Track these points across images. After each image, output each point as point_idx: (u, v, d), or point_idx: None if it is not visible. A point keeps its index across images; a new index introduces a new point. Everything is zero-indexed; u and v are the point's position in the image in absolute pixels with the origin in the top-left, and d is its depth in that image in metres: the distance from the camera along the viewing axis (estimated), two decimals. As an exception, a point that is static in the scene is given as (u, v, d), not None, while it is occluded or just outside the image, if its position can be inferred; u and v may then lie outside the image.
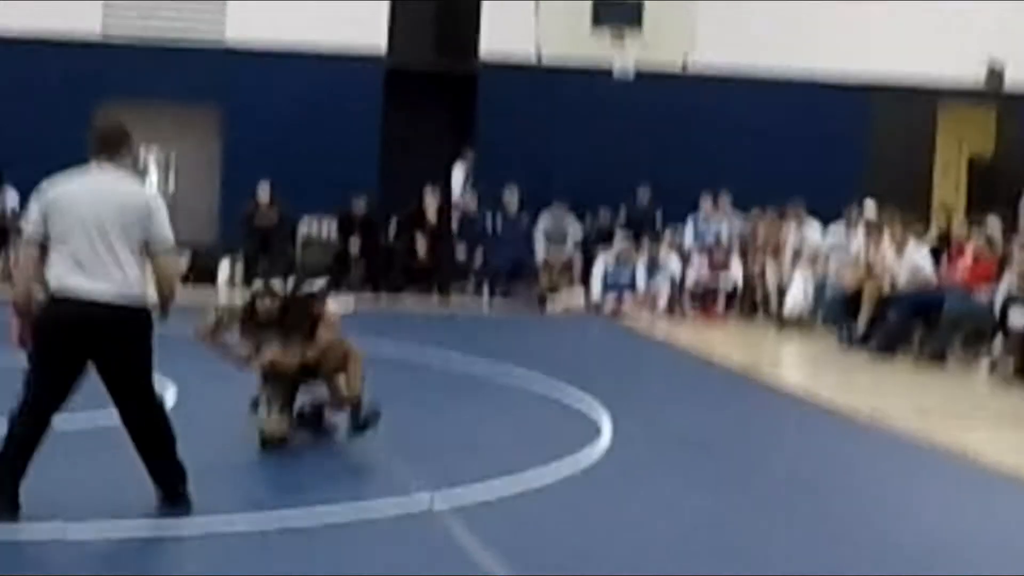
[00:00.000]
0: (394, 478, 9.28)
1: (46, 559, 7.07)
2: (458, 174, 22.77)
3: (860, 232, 19.09)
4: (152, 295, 7.84)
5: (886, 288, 17.35)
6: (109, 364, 7.75)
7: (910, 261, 17.36)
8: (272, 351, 10.04)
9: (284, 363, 9.99)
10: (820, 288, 18.96)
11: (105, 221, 7.63)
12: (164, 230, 7.83)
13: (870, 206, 20.34)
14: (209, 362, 10.21)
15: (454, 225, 21.85)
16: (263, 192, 21.50)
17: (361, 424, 9.94)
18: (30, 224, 7.84)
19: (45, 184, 7.90)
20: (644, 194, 22.84)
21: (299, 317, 9.99)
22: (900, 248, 17.48)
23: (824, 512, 9.28)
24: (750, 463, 10.84)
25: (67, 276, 7.60)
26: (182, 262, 8.25)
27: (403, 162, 23.24)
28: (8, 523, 7.40)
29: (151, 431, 7.97)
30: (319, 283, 10.23)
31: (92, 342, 7.67)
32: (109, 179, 7.81)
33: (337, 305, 10.50)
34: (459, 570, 7.50)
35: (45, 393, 7.71)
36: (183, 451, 8.35)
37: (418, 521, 8.46)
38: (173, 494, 7.98)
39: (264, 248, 21.19)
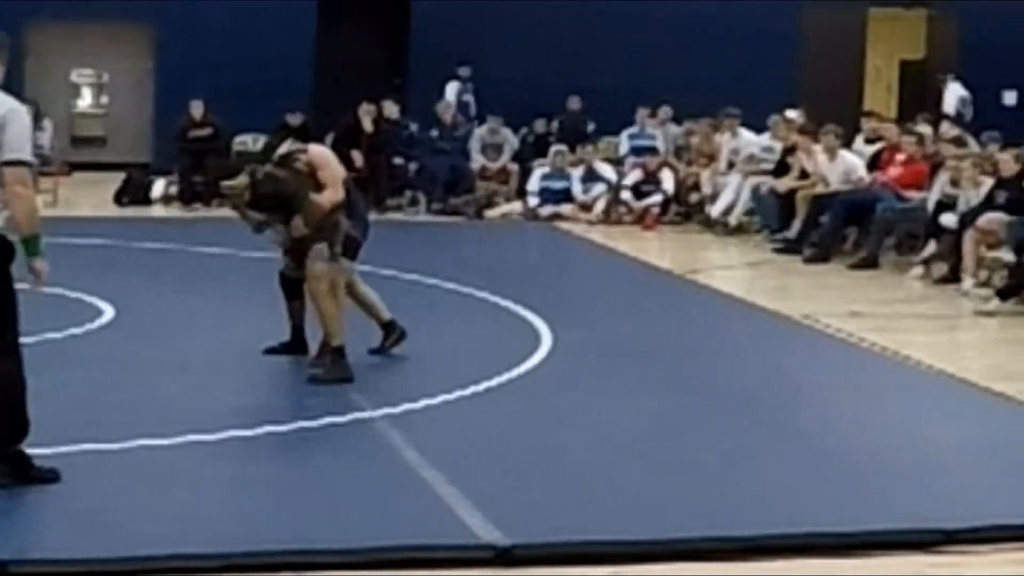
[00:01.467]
0: (336, 391, 9.34)
1: None
2: (451, 90, 22.82)
3: (790, 138, 19.16)
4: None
5: (819, 190, 17.46)
6: None
7: (843, 163, 17.46)
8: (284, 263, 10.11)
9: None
10: (755, 194, 19.04)
11: None
12: (15, 142, 6.88)
13: (794, 113, 20.40)
14: (143, 278, 10.18)
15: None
16: (196, 109, 21.35)
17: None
18: None
19: None
20: (575, 103, 22.87)
21: (294, 181, 9.92)
22: (832, 153, 17.58)
23: (760, 414, 9.41)
24: (688, 368, 10.96)
25: None
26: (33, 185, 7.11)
27: (338, 77, 23.13)
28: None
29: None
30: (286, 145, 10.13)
31: None
32: None
33: None
34: (390, 471, 7.59)
35: None
36: (130, 373, 8.43)
37: (353, 428, 8.55)
38: (12, 456, 7.09)
39: (198, 166, 21.06)
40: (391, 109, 21.82)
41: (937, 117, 20.93)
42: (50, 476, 7.10)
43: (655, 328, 12.55)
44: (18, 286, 7.05)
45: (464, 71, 23.30)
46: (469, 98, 23.23)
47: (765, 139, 19.87)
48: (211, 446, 8.05)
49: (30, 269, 7.01)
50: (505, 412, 9.19)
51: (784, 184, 18.15)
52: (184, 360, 10.31)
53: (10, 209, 6.89)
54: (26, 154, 6.91)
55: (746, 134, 20.22)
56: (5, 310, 6.99)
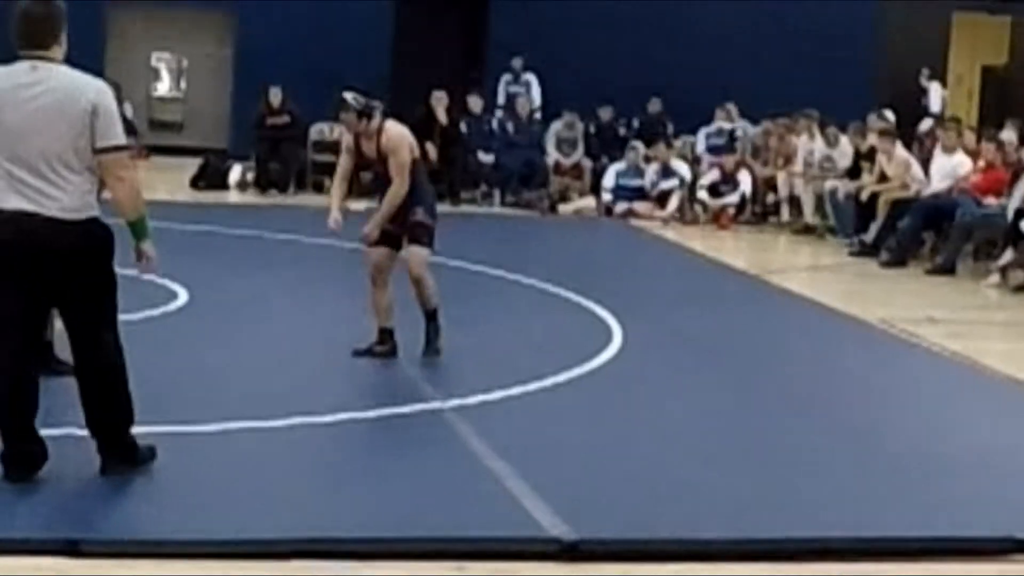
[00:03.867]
0: (406, 381, 9.34)
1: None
2: (535, 85, 22.83)
3: (871, 140, 19.04)
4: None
5: (904, 193, 17.34)
6: (57, 295, 6.74)
7: (950, 166, 17.26)
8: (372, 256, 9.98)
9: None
10: (832, 198, 18.94)
11: (39, 134, 6.52)
12: (109, 127, 6.61)
13: (877, 117, 20.24)
14: (217, 263, 10.17)
15: (464, 129, 21.78)
16: (274, 96, 21.44)
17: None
18: None
19: None
20: (655, 105, 22.79)
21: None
22: (951, 151, 17.36)
23: (832, 416, 9.33)
24: (760, 368, 10.89)
25: (4, 195, 6.56)
26: (137, 167, 6.87)
27: (416, 68, 23.15)
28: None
29: (102, 378, 6.85)
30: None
31: (35, 269, 6.61)
32: (44, 77, 6.59)
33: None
34: (464, 468, 7.57)
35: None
36: (206, 357, 8.44)
37: (423, 419, 8.54)
38: (114, 446, 6.92)
39: (275, 152, 21.14)
40: (475, 103, 21.80)
41: (917, 117, 20.76)
42: (149, 455, 7.06)
43: (728, 328, 12.47)
44: (124, 271, 7.00)
45: (516, 62, 23.13)
46: (517, 89, 23.03)
47: (823, 147, 19.73)
48: (284, 432, 8.05)
49: (138, 254, 6.90)
50: (575, 406, 9.16)
51: (868, 188, 17.99)
52: (257, 345, 10.35)
53: (113, 195, 6.74)
54: (121, 138, 6.69)
55: (819, 139, 20.09)
56: (112, 299, 6.83)
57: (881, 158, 18.05)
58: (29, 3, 6.68)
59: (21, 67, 6.61)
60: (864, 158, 18.77)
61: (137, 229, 6.83)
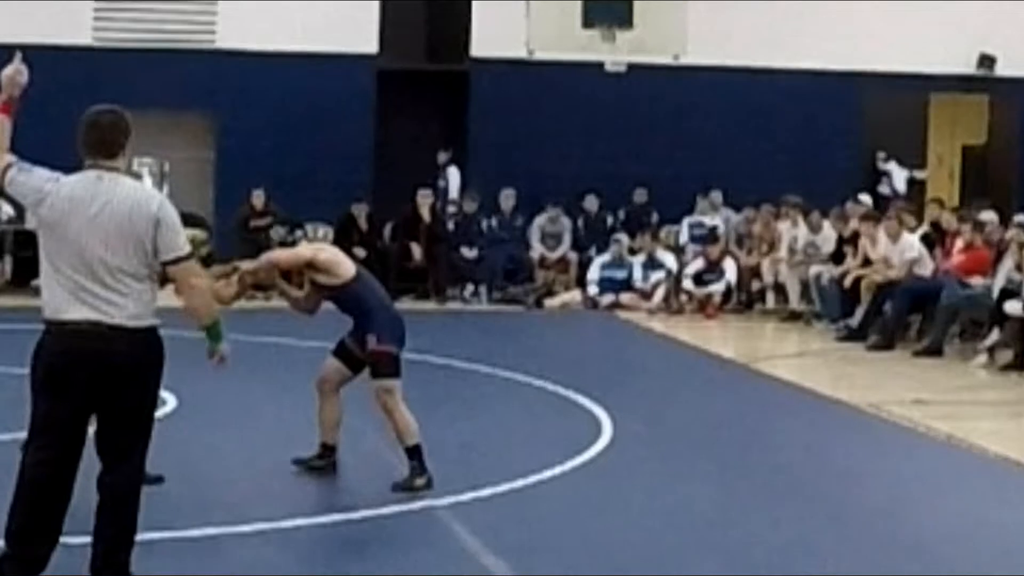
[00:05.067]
0: (395, 477, 9.27)
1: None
2: (454, 177, 22.73)
3: (853, 225, 19.14)
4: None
5: (884, 278, 17.38)
6: (106, 404, 6.63)
7: (904, 251, 17.39)
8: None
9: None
10: (816, 283, 18.99)
11: (104, 244, 6.52)
12: (176, 237, 6.66)
13: (853, 203, 20.35)
14: (203, 367, 10.06)
15: (450, 226, 21.81)
16: (257, 199, 21.49)
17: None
18: (17, 182, 6.68)
19: (52, 178, 6.68)
20: (641, 195, 22.83)
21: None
22: (895, 238, 17.52)
23: (828, 504, 9.30)
24: (752, 456, 10.85)
25: (64, 306, 6.55)
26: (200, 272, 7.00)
27: (397, 163, 23.20)
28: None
29: (124, 496, 6.75)
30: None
31: (91, 377, 6.55)
32: (111, 186, 6.61)
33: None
34: (459, 567, 7.52)
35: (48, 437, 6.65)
36: (196, 462, 8.41)
37: (418, 519, 8.50)
38: (113, 563, 6.75)
39: (259, 254, 21.09)
40: (470, 205, 21.83)
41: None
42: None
43: (718, 417, 12.45)
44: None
45: (441, 156, 22.74)
46: (442, 183, 22.86)
47: (807, 233, 19.80)
48: (276, 534, 8.01)
49: (212, 355, 6.96)
50: (567, 501, 9.12)
51: (851, 273, 18.03)
52: (247, 448, 10.30)
53: (187, 303, 6.76)
54: (185, 247, 6.69)
55: (801, 224, 20.17)
56: (152, 418, 6.82)
57: (865, 242, 18.11)
58: (98, 112, 6.75)
59: (88, 176, 6.62)
60: (847, 243, 18.85)
61: (212, 333, 6.90)
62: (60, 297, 6.55)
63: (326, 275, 9.30)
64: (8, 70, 6.90)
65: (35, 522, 6.68)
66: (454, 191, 22.45)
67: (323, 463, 9.49)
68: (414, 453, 9.13)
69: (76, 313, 6.52)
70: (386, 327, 9.21)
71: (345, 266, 9.33)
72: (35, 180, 6.67)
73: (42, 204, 6.62)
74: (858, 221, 18.67)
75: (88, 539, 6.77)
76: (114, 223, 6.52)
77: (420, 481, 9.06)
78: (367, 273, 9.67)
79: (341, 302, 9.43)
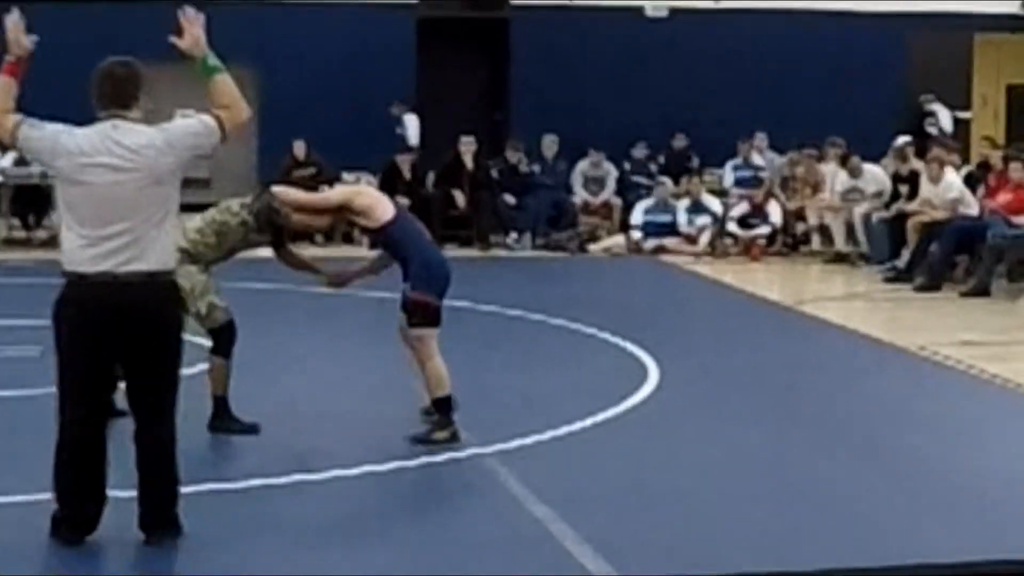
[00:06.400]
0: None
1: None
2: (412, 125, 22.22)
3: (875, 170, 19.11)
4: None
5: (930, 219, 17.28)
6: (133, 355, 6.69)
7: (946, 192, 17.29)
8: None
9: None
10: (865, 223, 18.90)
11: (122, 192, 6.53)
12: (186, 125, 6.82)
13: (903, 140, 20.23)
14: (250, 317, 10.07)
15: (493, 174, 21.74)
16: (299, 149, 21.49)
17: None
18: (27, 138, 6.72)
19: (66, 131, 6.70)
20: (680, 140, 22.73)
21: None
22: (936, 180, 17.42)
23: (877, 446, 9.26)
24: (800, 399, 10.83)
25: (83, 258, 6.55)
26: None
27: (439, 111, 23.16)
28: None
29: (162, 449, 6.82)
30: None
31: (117, 334, 6.61)
32: (122, 136, 6.62)
33: None
34: (507, 515, 7.53)
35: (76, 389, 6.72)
36: (244, 412, 8.47)
37: (463, 465, 8.51)
38: (162, 518, 6.85)
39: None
40: (512, 155, 21.72)
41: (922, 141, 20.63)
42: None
43: (764, 360, 12.41)
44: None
45: (395, 109, 22.10)
46: (400, 131, 22.22)
47: (847, 179, 19.69)
48: (320, 485, 8.04)
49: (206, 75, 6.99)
50: (614, 447, 9.11)
51: (910, 210, 17.89)
52: (296, 399, 10.31)
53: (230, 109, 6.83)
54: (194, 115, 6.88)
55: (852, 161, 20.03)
56: (178, 369, 6.85)
57: (926, 182, 17.90)
58: (112, 64, 6.80)
59: (104, 127, 6.64)
60: (903, 181, 18.70)
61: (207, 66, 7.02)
62: (79, 249, 6.56)
63: (364, 218, 9.25)
64: (9, 34, 6.85)
65: (81, 480, 6.74)
66: (413, 138, 22.11)
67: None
68: (441, 405, 9.04)
69: (96, 265, 6.53)
70: (422, 275, 9.02)
71: (381, 209, 9.18)
72: (48, 134, 6.68)
73: (57, 154, 6.63)
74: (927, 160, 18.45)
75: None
76: (135, 171, 6.55)
77: (441, 435, 8.97)
78: (409, 217, 9.62)
79: (383, 246, 9.44)
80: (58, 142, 6.62)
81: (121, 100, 6.70)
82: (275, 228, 9.29)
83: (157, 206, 6.61)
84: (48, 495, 6.82)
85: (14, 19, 6.88)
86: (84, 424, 6.68)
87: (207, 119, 6.78)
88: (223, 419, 9.17)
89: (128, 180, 6.53)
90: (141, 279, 6.53)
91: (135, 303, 6.55)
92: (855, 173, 19.56)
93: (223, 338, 9.17)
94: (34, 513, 6.96)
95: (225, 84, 6.87)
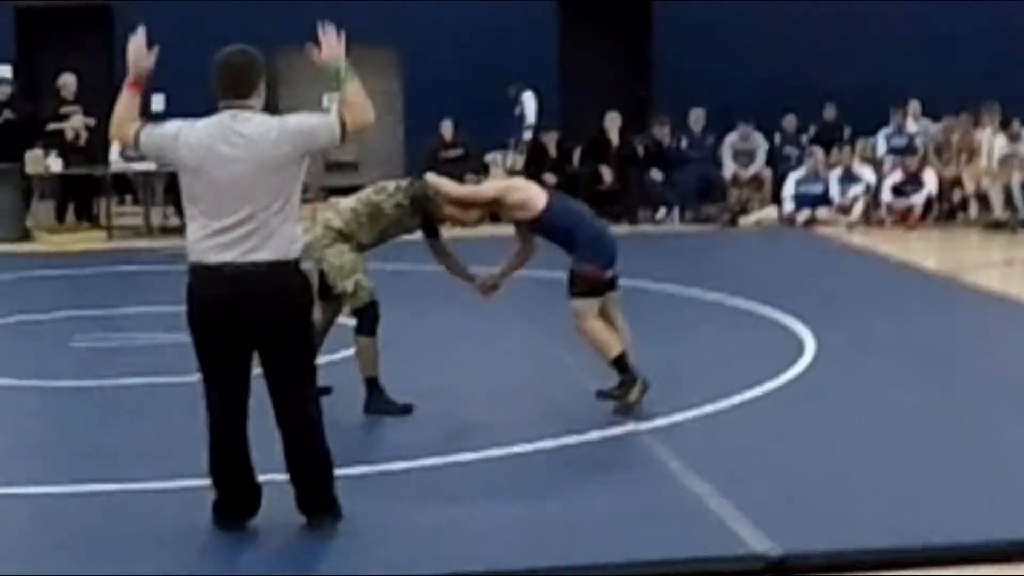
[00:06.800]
0: (600, 405, 9.17)
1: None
2: (530, 103, 21.85)
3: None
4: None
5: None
6: (265, 344, 6.65)
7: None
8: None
9: None
10: (1023, 189, 18.51)
11: (244, 185, 6.50)
12: (304, 122, 6.70)
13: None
14: (401, 298, 10.06)
15: (639, 149, 21.57)
16: (446, 130, 21.51)
17: None
18: (147, 141, 6.73)
19: (185, 125, 6.71)
20: (830, 112, 22.39)
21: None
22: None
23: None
24: (959, 369, 10.60)
25: (207, 248, 6.55)
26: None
27: (583, 88, 23.08)
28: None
29: (306, 434, 6.78)
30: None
31: (244, 323, 6.58)
32: (241, 126, 6.57)
33: None
34: (664, 490, 7.44)
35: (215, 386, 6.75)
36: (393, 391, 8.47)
37: (619, 442, 8.42)
38: (318, 501, 6.86)
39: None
40: (660, 132, 21.56)
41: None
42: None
43: (922, 330, 12.17)
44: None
45: (511, 90, 21.72)
46: (518, 110, 21.88)
47: (1005, 143, 19.27)
48: (474, 464, 8.00)
49: (340, 87, 6.79)
50: (771, 421, 8.97)
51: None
52: (444, 377, 10.28)
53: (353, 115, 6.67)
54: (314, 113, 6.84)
55: (1001, 135, 19.65)
56: (313, 351, 6.91)
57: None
58: (230, 53, 6.73)
59: (222, 117, 6.61)
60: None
61: (343, 77, 6.81)
62: (202, 240, 6.54)
63: (520, 211, 9.20)
64: (131, 54, 6.84)
65: (228, 463, 6.77)
66: (531, 116, 21.95)
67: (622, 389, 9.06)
68: (618, 364, 8.99)
69: (219, 255, 6.50)
70: (591, 249, 9.05)
71: (535, 200, 9.16)
72: (167, 130, 6.69)
73: (178, 149, 6.61)
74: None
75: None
76: (251, 159, 6.48)
77: (633, 394, 8.93)
78: (563, 198, 9.57)
79: (543, 234, 9.34)
80: (178, 138, 6.61)
81: (240, 89, 6.64)
82: (427, 214, 9.29)
83: (276, 195, 6.53)
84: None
85: (139, 41, 6.86)
86: (223, 409, 6.69)
87: (331, 119, 6.68)
88: (377, 400, 9.16)
89: (245, 169, 6.48)
90: (263, 268, 6.48)
91: (259, 292, 6.50)
92: (1015, 138, 19.14)
93: (367, 317, 9.17)
94: (198, 498, 6.99)
95: (356, 92, 6.76)
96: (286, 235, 6.56)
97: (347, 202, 9.33)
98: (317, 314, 8.25)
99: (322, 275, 9.11)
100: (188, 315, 6.66)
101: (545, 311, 10.28)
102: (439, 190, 9.31)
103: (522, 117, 21.84)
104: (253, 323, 6.55)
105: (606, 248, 9.16)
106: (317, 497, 6.84)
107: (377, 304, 9.15)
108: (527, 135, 21.64)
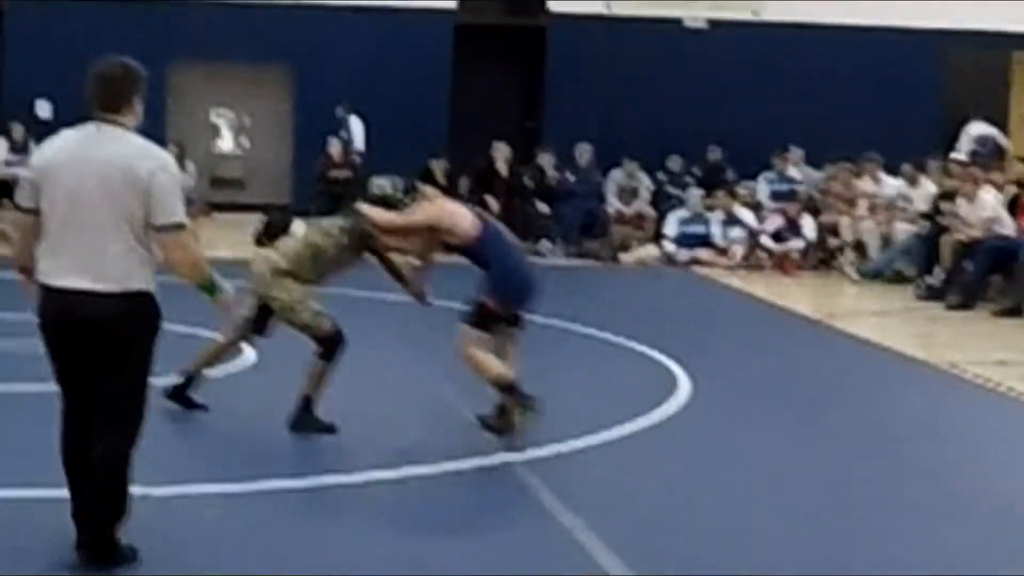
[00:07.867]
0: (472, 433, 9.26)
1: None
2: (356, 127, 22.06)
3: (928, 184, 19.05)
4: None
5: (967, 237, 17.20)
6: (97, 367, 6.30)
7: (982, 210, 17.22)
8: None
9: None
10: (905, 240, 18.85)
11: (89, 198, 6.12)
12: (166, 204, 6.15)
13: (946, 159, 20.15)
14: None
15: (526, 181, 21.71)
16: (334, 149, 21.51)
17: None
18: (23, 192, 6.39)
19: (43, 145, 6.55)
20: (715, 153, 22.69)
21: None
22: (971, 197, 17.36)
23: (906, 461, 9.22)
24: (830, 414, 10.77)
25: (49, 268, 6.26)
26: (196, 240, 7.05)
27: (473, 118, 23.19)
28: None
29: (104, 468, 6.34)
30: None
31: (81, 345, 6.28)
32: (104, 141, 6.20)
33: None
34: (536, 524, 7.51)
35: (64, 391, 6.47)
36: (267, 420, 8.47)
37: (492, 472, 8.49)
38: (97, 538, 6.37)
39: (336, 206, 21.13)
40: (545, 160, 21.72)
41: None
42: (131, 556, 6.50)
43: (795, 374, 12.38)
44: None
45: (339, 110, 21.97)
46: (343, 135, 22.08)
47: (902, 185, 19.66)
48: (352, 488, 8.02)
49: (219, 308, 6.55)
50: (644, 457, 9.09)
51: (952, 225, 17.84)
52: (328, 401, 10.27)
53: (174, 269, 6.25)
54: (180, 215, 6.18)
55: (887, 180, 20.04)
56: (141, 384, 6.39)
57: (961, 200, 17.80)
58: (107, 64, 6.34)
59: (86, 129, 6.25)
60: (945, 198, 18.62)
61: (207, 291, 6.43)
62: (49, 259, 6.26)
63: (450, 235, 9.28)
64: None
65: (67, 466, 6.51)
66: (358, 142, 22.04)
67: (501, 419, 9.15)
68: (499, 385, 9.02)
69: (63, 278, 6.21)
70: (496, 283, 9.14)
71: (468, 224, 9.23)
72: (30, 167, 6.43)
73: (40, 159, 6.37)
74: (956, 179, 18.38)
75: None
76: (105, 180, 6.11)
77: (518, 416, 8.94)
78: (495, 229, 9.52)
79: (471, 259, 9.34)
80: (43, 146, 6.42)
81: (110, 103, 6.25)
82: (371, 249, 9.51)
83: (118, 225, 6.13)
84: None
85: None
86: (66, 418, 6.45)
87: (182, 235, 6.22)
88: (304, 419, 9.19)
89: (91, 189, 6.12)
90: (102, 294, 6.14)
91: (95, 317, 6.16)
92: (912, 182, 19.47)
93: (332, 345, 9.28)
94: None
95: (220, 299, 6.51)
96: (133, 261, 6.18)
97: (291, 244, 9.49)
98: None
99: (261, 310, 9.33)
100: (40, 331, 6.39)
101: (438, 337, 10.30)
102: (372, 220, 9.35)
103: (350, 141, 21.90)
104: (87, 346, 6.25)
105: (514, 287, 9.24)
106: (101, 539, 6.36)
107: (342, 332, 9.25)
108: (358, 160, 21.63)
